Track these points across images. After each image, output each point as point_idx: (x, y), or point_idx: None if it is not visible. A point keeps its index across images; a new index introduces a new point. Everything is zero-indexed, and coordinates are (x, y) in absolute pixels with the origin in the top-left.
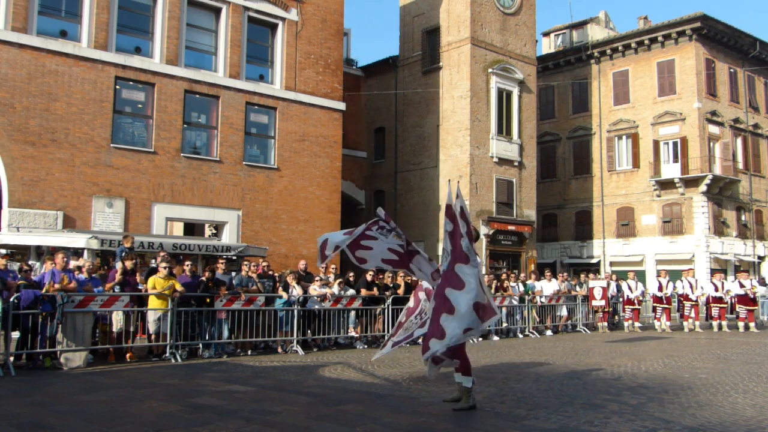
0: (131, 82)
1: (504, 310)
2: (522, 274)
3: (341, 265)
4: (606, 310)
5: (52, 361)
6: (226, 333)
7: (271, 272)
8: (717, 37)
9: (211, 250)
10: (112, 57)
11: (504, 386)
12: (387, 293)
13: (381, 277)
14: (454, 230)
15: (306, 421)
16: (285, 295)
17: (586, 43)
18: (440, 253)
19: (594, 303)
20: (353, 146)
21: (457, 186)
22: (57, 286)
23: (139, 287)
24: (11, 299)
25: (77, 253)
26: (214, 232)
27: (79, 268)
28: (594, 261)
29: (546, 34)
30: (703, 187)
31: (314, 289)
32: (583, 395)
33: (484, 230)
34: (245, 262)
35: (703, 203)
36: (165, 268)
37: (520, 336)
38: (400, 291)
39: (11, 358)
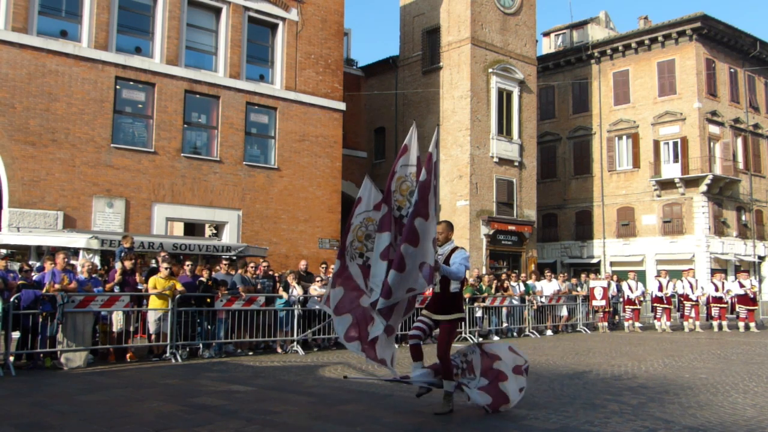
0: (131, 82)
1: (504, 310)
2: (522, 274)
3: None
4: (606, 310)
5: (52, 361)
6: (222, 333)
7: (271, 272)
8: (717, 37)
9: (211, 250)
10: (112, 57)
11: None
12: None
13: None
14: (427, 182)
15: (306, 421)
16: (285, 295)
17: (586, 43)
18: None
19: (594, 303)
20: (353, 146)
21: (437, 134)
22: (57, 286)
23: (139, 287)
24: (11, 299)
25: (76, 253)
26: (214, 232)
27: (74, 266)
28: (594, 261)
29: (546, 34)
30: (703, 187)
31: (314, 289)
32: (583, 395)
33: (484, 230)
34: (243, 262)
35: (703, 203)
36: (166, 268)
37: (520, 336)
38: None
39: (11, 358)
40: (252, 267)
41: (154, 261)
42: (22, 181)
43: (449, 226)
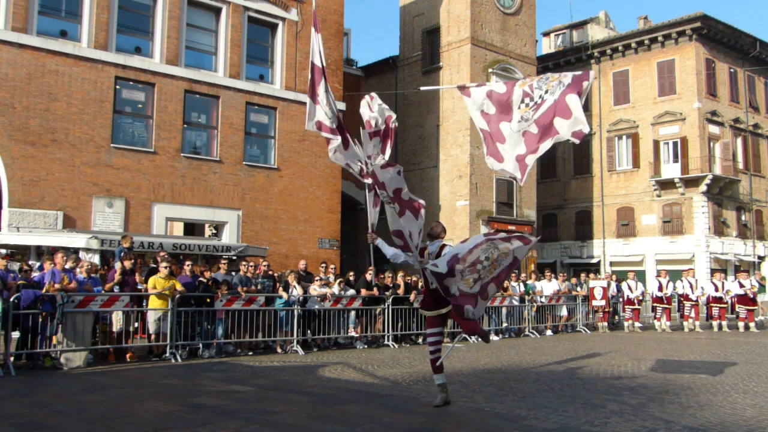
0: (131, 82)
1: (504, 310)
2: (522, 274)
3: (341, 266)
4: (606, 310)
5: (52, 361)
6: (220, 332)
7: (271, 272)
8: (717, 37)
9: (211, 250)
10: (112, 57)
11: (504, 386)
12: (387, 293)
13: (381, 276)
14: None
15: (306, 421)
16: (285, 295)
17: (586, 43)
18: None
19: (594, 303)
20: None
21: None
22: (57, 286)
23: (139, 287)
24: (11, 299)
25: (76, 252)
26: (214, 232)
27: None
28: (594, 261)
29: (546, 34)
30: (703, 187)
31: (314, 289)
32: (583, 395)
33: (484, 230)
34: (243, 262)
35: (703, 203)
36: (165, 267)
37: (520, 336)
38: (400, 291)
39: (11, 358)
40: (252, 266)
41: (152, 261)
42: (22, 181)
43: (443, 228)
